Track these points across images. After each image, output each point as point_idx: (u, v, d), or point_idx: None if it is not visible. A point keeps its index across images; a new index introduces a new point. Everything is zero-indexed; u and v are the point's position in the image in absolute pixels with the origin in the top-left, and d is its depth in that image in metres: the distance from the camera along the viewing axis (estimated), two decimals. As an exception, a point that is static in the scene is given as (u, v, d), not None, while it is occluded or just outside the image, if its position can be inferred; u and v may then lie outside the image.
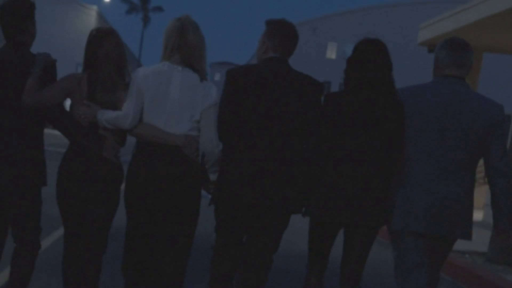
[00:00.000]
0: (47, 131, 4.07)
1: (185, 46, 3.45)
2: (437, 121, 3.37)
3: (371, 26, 61.28)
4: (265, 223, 3.55)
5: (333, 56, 62.07)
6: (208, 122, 3.45)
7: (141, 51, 68.06)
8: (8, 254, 3.74)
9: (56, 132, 3.89)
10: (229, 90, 3.50)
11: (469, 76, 14.16)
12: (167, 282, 3.53)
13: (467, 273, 6.93)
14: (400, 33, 58.87)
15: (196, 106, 3.45)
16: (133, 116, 3.43)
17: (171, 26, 3.50)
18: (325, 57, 61.72)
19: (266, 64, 3.54)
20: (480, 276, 6.74)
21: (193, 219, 3.53)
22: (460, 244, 7.82)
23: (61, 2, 50.46)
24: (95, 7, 53.69)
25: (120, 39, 3.68)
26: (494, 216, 3.44)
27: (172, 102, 3.43)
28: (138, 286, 3.56)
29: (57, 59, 3.81)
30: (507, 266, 7.26)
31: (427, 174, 3.39)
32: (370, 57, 3.48)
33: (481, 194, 13.25)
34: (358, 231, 3.52)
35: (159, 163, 3.39)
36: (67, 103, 3.70)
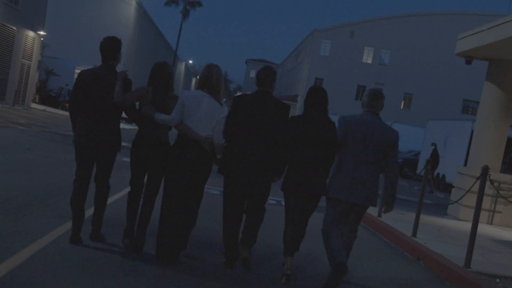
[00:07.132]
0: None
1: (209, 84, 5.85)
2: (361, 138, 5.82)
3: (409, 33, 60.85)
4: (253, 187, 5.89)
5: (369, 61, 61.60)
6: (219, 126, 5.82)
7: (178, 43, 68.62)
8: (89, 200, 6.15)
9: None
10: (233, 108, 5.87)
11: (507, 91, 13.81)
12: (191, 205, 5.88)
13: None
14: (436, 42, 58.25)
15: (214, 120, 5.80)
16: (177, 120, 5.77)
17: (203, 68, 5.89)
18: (361, 61, 61.30)
19: (255, 94, 6.01)
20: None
21: (205, 176, 5.92)
22: (491, 268, 7.74)
23: (103, -10, 50.89)
24: (135, -3, 54.09)
25: (171, 67, 6.07)
26: (385, 198, 5.99)
27: (200, 116, 5.76)
28: (172, 207, 5.77)
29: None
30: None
31: (352, 167, 5.84)
32: (316, 99, 5.91)
33: None
34: (309, 198, 5.88)
35: (189, 148, 5.77)
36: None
